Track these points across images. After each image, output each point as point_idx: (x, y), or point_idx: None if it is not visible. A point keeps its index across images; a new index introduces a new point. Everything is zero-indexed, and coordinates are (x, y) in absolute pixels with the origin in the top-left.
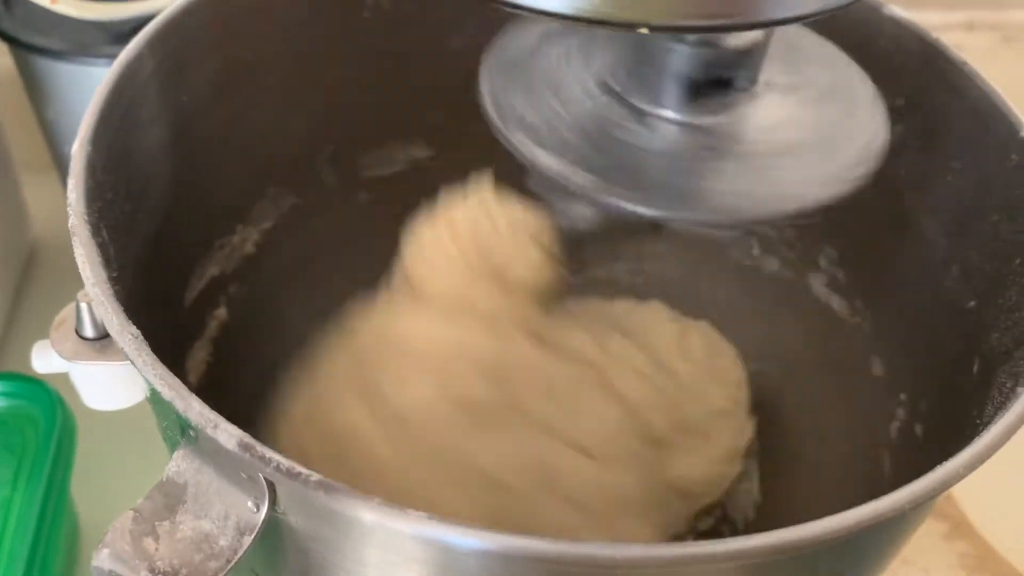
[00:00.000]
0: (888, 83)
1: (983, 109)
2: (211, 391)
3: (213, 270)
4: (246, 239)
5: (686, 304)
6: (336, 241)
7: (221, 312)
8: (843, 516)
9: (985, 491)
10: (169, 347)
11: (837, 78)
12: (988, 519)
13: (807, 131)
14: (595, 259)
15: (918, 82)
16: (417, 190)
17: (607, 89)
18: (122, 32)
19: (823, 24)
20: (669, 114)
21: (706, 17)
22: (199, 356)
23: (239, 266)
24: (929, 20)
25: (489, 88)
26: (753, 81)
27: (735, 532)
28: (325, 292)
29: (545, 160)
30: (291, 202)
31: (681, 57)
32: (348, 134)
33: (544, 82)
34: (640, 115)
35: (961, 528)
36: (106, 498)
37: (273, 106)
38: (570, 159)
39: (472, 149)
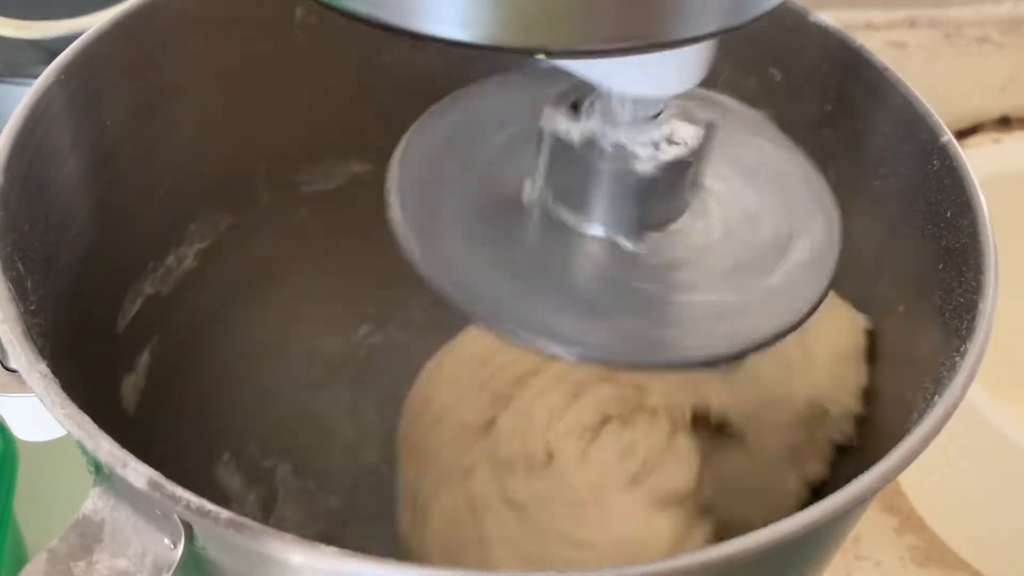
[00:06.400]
0: (816, 90)
1: (906, 115)
2: (153, 414)
3: (148, 291)
4: (181, 260)
5: None
6: (277, 258)
7: (158, 335)
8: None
9: (933, 486)
10: (103, 373)
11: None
12: (936, 513)
13: (717, 286)
14: None
15: (844, 88)
16: (358, 204)
17: (529, 198)
18: (58, 50)
19: (749, 32)
20: (598, 232)
21: (604, 41)
22: (136, 380)
23: (175, 287)
24: (871, 18)
25: (401, 213)
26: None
27: None
28: (267, 309)
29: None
30: (227, 221)
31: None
32: (282, 152)
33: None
34: (566, 234)
35: (911, 521)
36: (54, 522)
37: (199, 127)
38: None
39: None
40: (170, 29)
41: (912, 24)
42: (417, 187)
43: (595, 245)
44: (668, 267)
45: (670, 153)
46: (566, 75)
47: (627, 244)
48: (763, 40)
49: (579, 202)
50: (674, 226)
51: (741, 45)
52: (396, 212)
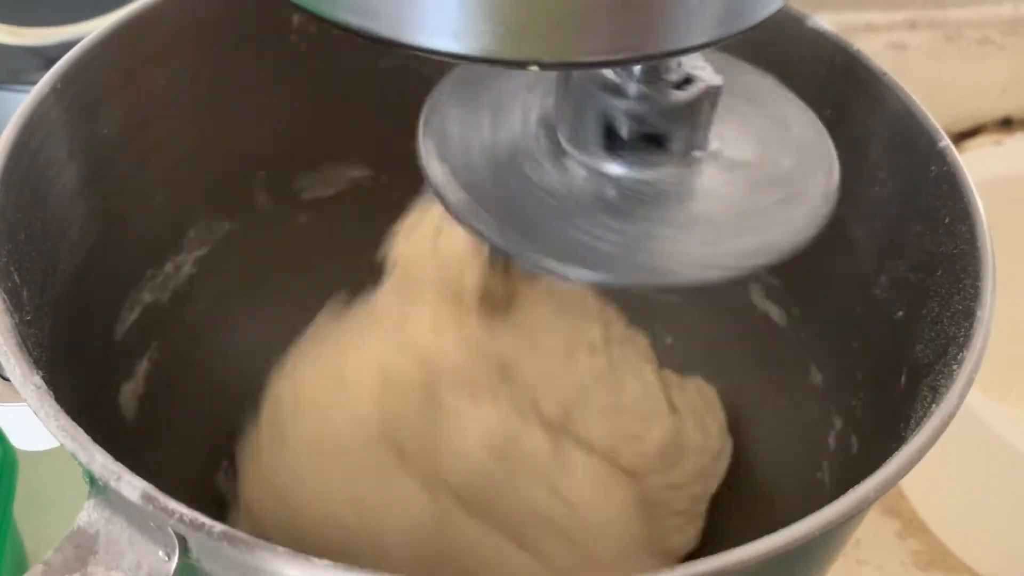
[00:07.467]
0: (815, 95)
1: (904, 120)
2: (152, 422)
3: (147, 298)
4: (180, 267)
5: (631, 313)
6: (277, 264)
7: (157, 342)
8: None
9: (935, 489)
10: (101, 381)
11: (799, 162)
12: (939, 516)
13: (724, 209)
14: None
15: (843, 93)
16: (359, 210)
17: (544, 123)
18: (55, 57)
19: (746, 38)
20: (587, 159)
21: (596, 53)
22: (135, 387)
23: (174, 295)
24: (872, 20)
25: (437, 95)
26: (692, 146)
27: None
28: (266, 315)
29: (435, 172)
30: (226, 228)
31: (613, 108)
32: (280, 158)
33: (490, 102)
34: (559, 154)
35: (913, 525)
36: (54, 529)
37: (197, 134)
38: (462, 179)
39: (412, 168)
40: (167, 36)
41: (913, 26)
42: (447, 98)
43: (610, 181)
44: (678, 198)
45: (689, 90)
46: None
47: (645, 176)
48: (761, 45)
49: (595, 141)
50: (667, 171)
51: (739, 50)
52: (435, 169)
